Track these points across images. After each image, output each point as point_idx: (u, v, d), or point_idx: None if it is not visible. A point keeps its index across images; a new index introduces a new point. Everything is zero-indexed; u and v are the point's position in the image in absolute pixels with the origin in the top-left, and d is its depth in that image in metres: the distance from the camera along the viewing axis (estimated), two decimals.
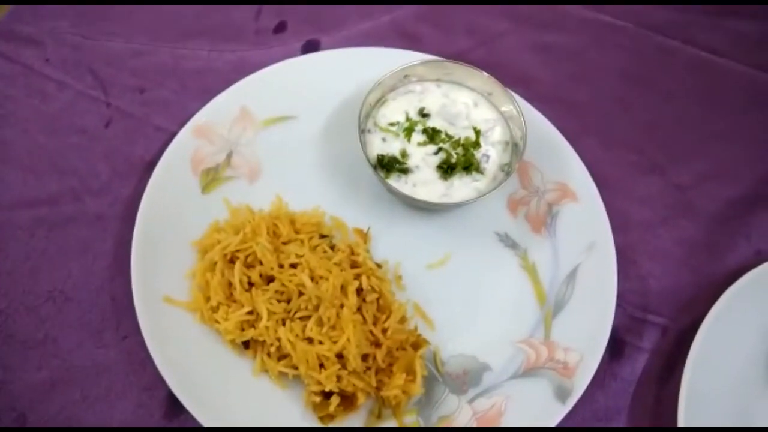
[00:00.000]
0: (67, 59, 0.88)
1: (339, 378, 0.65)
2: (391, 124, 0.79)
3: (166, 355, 0.66)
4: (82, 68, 0.87)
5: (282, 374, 0.67)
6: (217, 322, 0.68)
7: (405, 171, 0.77)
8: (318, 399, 0.65)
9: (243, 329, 0.68)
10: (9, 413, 0.67)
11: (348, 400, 0.65)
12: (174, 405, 0.66)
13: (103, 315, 0.72)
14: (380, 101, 0.81)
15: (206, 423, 0.63)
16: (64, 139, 0.82)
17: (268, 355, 0.67)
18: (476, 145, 0.79)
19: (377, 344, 0.68)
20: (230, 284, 0.70)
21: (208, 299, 0.70)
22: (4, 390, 0.68)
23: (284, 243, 0.72)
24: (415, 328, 0.71)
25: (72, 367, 0.69)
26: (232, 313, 0.68)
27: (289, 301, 0.68)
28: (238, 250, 0.70)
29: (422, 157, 0.78)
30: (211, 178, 0.78)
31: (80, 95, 0.85)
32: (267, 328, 0.67)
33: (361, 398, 0.65)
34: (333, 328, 0.66)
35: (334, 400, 0.64)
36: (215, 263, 0.70)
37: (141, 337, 0.67)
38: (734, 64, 0.94)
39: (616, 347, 0.74)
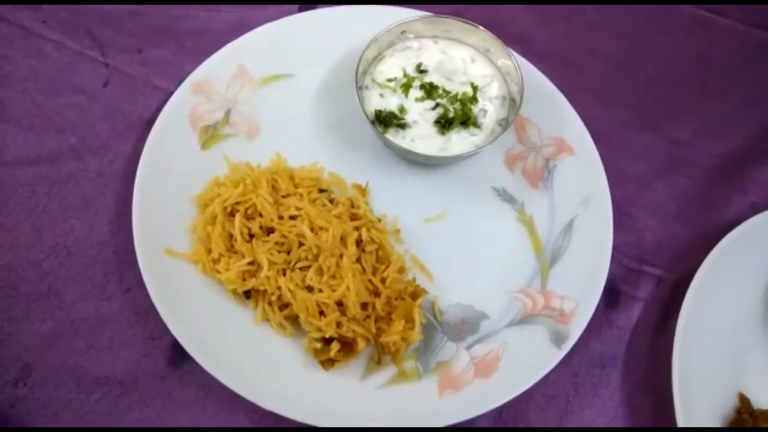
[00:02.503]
0: (64, 20, 0.87)
1: (339, 324, 0.66)
2: (389, 80, 0.80)
3: (169, 304, 0.67)
4: (80, 29, 0.87)
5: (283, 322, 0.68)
6: (219, 273, 0.69)
7: (403, 126, 0.77)
8: (319, 345, 0.66)
9: (244, 279, 0.69)
10: (15, 363, 0.68)
11: (348, 346, 0.66)
12: (177, 353, 0.68)
13: (105, 269, 0.73)
14: (378, 58, 0.81)
15: (210, 369, 0.64)
16: (63, 99, 0.82)
17: (269, 304, 0.68)
18: (473, 100, 0.79)
19: (376, 293, 0.69)
20: (231, 236, 0.71)
21: (209, 251, 0.70)
22: (9, 341, 0.69)
23: (283, 197, 0.73)
24: (414, 279, 0.72)
25: (76, 319, 0.70)
26: (233, 264, 0.69)
27: (289, 252, 0.69)
28: (238, 203, 0.71)
29: (420, 113, 0.78)
30: (210, 135, 0.78)
31: (78, 56, 0.85)
32: (268, 278, 0.68)
33: (361, 344, 0.66)
34: (333, 277, 0.67)
35: (335, 346, 0.65)
36: (216, 216, 0.71)
37: (143, 289, 0.68)
38: (731, 22, 0.95)
39: (612, 297, 0.75)
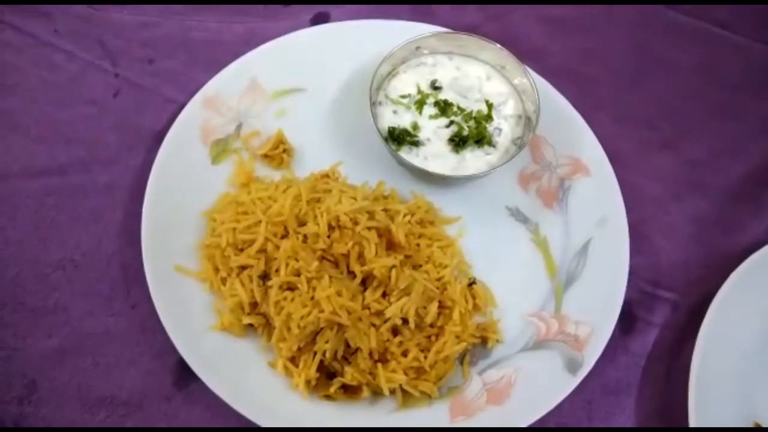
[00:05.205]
0: (76, 30, 0.87)
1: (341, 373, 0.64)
2: (403, 97, 0.79)
3: (177, 321, 0.66)
4: (91, 39, 0.86)
5: None
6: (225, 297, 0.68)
7: (416, 144, 0.76)
8: (317, 375, 0.64)
9: (249, 313, 0.67)
10: (20, 380, 0.67)
11: (352, 388, 0.65)
12: (184, 372, 0.66)
13: (113, 284, 0.72)
14: (391, 73, 0.80)
15: (216, 389, 0.63)
16: (72, 110, 0.81)
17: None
18: (488, 118, 0.78)
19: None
20: None
21: (216, 270, 0.69)
22: (15, 357, 0.68)
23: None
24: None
25: (82, 335, 0.69)
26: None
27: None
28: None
29: (434, 130, 0.77)
30: (221, 149, 0.77)
31: (89, 66, 0.84)
32: (279, 304, 0.65)
33: (366, 392, 0.64)
34: None
35: (336, 383, 0.64)
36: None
37: (150, 305, 0.67)
38: (747, 40, 0.94)
39: (627, 322, 0.74)
